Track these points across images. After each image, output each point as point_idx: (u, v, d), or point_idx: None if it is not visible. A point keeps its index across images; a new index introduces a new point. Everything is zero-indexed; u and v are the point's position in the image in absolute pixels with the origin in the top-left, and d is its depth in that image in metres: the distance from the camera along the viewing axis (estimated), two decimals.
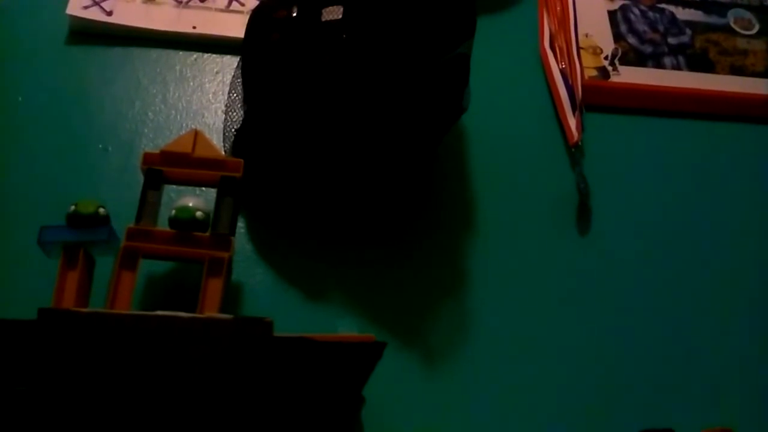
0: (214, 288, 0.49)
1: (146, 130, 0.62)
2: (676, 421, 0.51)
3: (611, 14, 0.73)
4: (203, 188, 0.57)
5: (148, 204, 0.52)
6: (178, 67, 0.66)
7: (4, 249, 0.55)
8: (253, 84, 0.57)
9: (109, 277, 0.49)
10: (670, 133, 0.69)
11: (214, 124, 0.63)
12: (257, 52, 0.56)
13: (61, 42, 0.66)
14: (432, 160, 0.60)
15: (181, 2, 0.68)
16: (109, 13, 0.66)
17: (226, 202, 0.52)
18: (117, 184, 0.59)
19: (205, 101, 0.65)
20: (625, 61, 0.70)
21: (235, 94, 0.61)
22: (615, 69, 0.69)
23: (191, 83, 0.65)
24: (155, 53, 0.67)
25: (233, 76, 0.62)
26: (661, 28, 0.73)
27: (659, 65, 0.70)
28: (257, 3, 0.61)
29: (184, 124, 0.63)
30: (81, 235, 0.49)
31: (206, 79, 0.66)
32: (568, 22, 0.71)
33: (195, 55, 0.67)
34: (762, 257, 0.63)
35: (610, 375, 0.56)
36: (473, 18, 0.54)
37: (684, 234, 0.63)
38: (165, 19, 0.67)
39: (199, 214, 0.51)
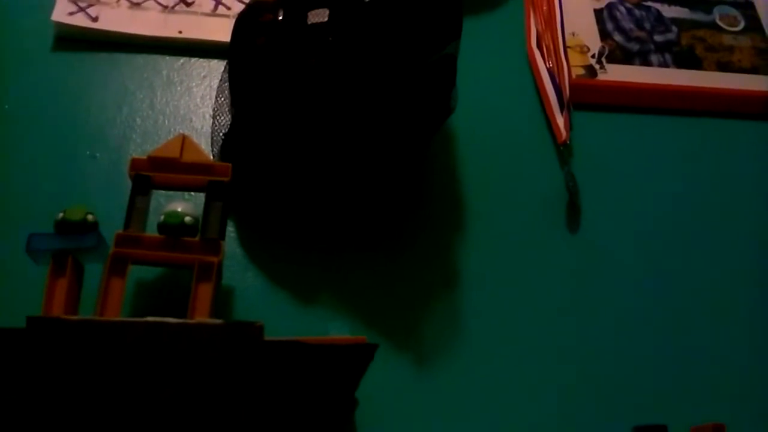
0: (204, 293, 0.49)
1: (134, 136, 0.62)
2: (669, 417, 0.51)
3: (597, 13, 0.74)
4: (192, 193, 0.57)
5: (136, 210, 0.51)
6: (165, 72, 0.66)
7: None
8: (240, 88, 0.57)
9: (98, 284, 0.49)
10: (657, 130, 0.69)
11: (201, 128, 0.63)
12: (244, 55, 0.56)
13: (47, 48, 0.66)
14: (421, 162, 0.60)
15: (166, 7, 0.68)
16: (95, 19, 0.66)
17: (214, 207, 0.52)
18: (105, 190, 0.58)
19: (193, 106, 0.64)
20: (612, 59, 0.70)
21: (222, 98, 0.61)
22: (602, 67, 0.70)
23: (178, 88, 0.65)
24: (142, 58, 0.66)
25: (220, 80, 0.62)
26: (647, 25, 0.73)
27: (646, 63, 0.71)
28: (243, 7, 0.61)
29: (171, 129, 0.63)
30: (69, 242, 0.49)
31: (193, 84, 0.66)
32: (555, 21, 0.71)
33: (182, 59, 0.67)
34: (752, 254, 0.63)
35: (603, 372, 0.56)
36: (460, 19, 0.54)
37: (673, 231, 0.63)
38: (151, 24, 0.67)
39: (188, 219, 0.51)
